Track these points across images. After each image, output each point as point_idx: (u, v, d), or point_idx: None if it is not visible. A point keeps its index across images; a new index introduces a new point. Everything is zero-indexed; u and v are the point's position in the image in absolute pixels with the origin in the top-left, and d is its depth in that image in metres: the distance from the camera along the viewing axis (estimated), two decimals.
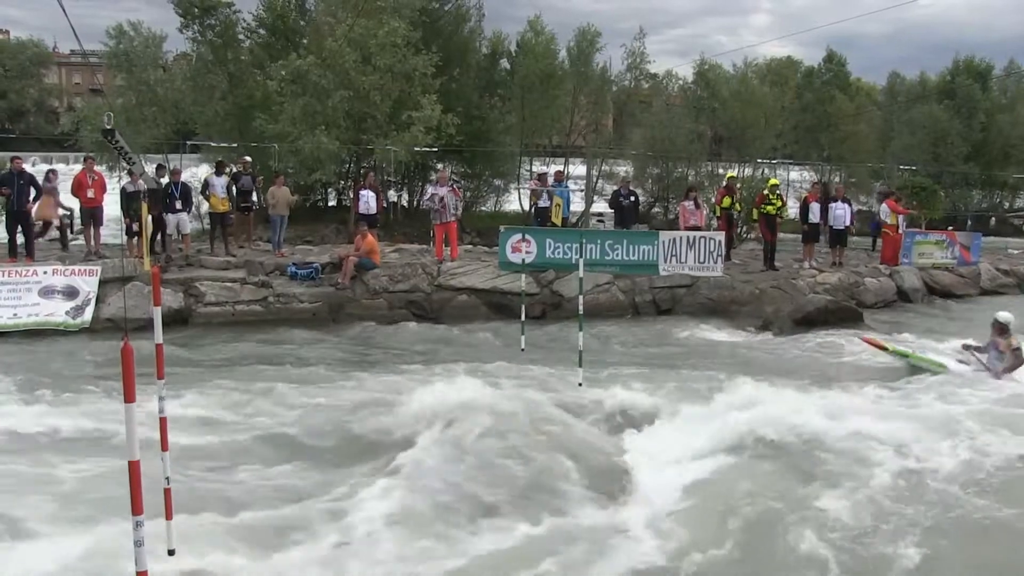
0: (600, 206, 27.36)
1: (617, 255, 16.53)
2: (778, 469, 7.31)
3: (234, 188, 18.00)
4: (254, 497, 6.81)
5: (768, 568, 5.87)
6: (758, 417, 8.20)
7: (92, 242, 16.37)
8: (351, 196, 21.94)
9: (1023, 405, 9.03)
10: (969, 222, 30.51)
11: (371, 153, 23.30)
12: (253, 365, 11.73)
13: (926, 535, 6.16)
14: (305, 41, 24.88)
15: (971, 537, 6.27)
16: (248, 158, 19.35)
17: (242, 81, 25.51)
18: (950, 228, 23.52)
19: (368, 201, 18.56)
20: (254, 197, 18.68)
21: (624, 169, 30.26)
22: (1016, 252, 25.74)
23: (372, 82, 22.52)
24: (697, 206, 18.98)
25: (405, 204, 28.06)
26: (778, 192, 19.56)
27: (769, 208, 18.86)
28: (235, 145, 24.13)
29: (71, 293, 14.16)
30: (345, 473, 7.32)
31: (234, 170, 18.64)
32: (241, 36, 26.56)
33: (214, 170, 18.30)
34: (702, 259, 16.66)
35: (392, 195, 26.83)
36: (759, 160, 33.02)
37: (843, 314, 15.90)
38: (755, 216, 19.46)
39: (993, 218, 41.80)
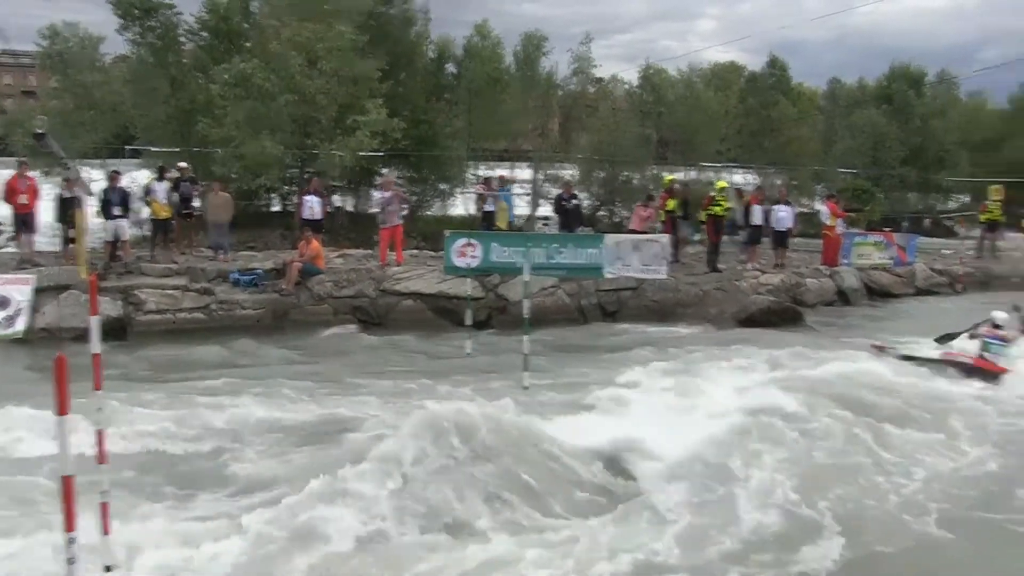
0: (546, 210, 27.43)
1: (563, 259, 16.58)
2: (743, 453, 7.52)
3: (176, 194, 17.72)
4: (200, 510, 6.67)
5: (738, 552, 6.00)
6: (713, 411, 8.40)
7: (25, 249, 15.98)
8: (296, 201, 21.72)
9: None
10: (905, 224, 31.12)
11: (316, 158, 23.09)
12: (194, 374, 11.55)
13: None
14: (249, 44, 24.55)
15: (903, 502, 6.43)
16: (184, 164, 19.02)
17: (184, 84, 25.08)
18: (888, 230, 23.99)
19: (313, 206, 18.38)
20: (196, 203, 18.38)
21: (570, 173, 30.38)
22: (949, 253, 26.36)
23: (318, 86, 22.32)
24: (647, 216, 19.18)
25: (350, 209, 27.84)
26: (724, 195, 19.85)
27: (717, 210, 19.10)
28: (177, 150, 23.72)
29: (2, 303, 13.79)
30: (294, 484, 7.17)
31: (175, 175, 18.32)
32: (183, 38, 26.11)
33: (155, 176, 17.98)
34: (647, 262, 16.78)
35: (337, 200, 26.58)
36: (704, 164, 33.40)
37: (785, 314, 16.21)
38: (703, 217, 19.69)
39: (928, 220, 42.71)
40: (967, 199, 49.01)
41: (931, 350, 11.96)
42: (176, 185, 17.84)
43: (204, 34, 26.21)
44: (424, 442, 6.99)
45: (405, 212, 19.32)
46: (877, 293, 20.22)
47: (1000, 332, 11.46)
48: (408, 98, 26.72)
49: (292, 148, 22.95)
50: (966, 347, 11.67)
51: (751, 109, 39.76)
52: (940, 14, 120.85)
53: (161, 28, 25.03)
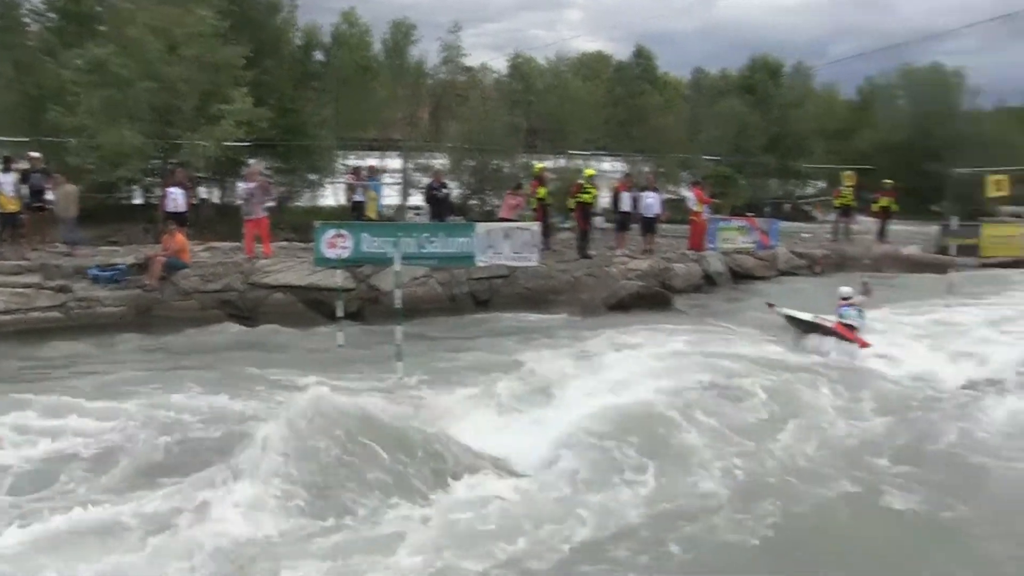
0: (418, 199, 27.33)
1: (434, 248, 16.56)
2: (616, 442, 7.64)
3: (25, 187, 16.82)
4: (70, 515, 6.38)
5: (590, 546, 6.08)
6: (582, 396, 8.57)
7: None
8: (159, 194, 20.91)
9: None
10: (767, 209, 32.46)
11: (179, 148, 22.29)
12: (50, 375, 11.02)
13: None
14: (104, 28, 23.42)
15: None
16: (36, 154, 18.06)
17: (31, 69, 23.73)
18: (750, 215, 24.96)
19: (176, 198, 17.77)
20: (49, 196, 17.47)
21: (440, 162, 30.32)
22: (808, 236, 27.64)
23: (178, 73, 21.54)
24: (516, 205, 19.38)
25: (216, 201, 27.02)
26: (594, 183, 20.21)
27: (585, 197, 19.42)
28: (27, 139, 22.45)
29: None
30: (165, 482, 6.95)
31: (24, 166, 17.38)
32: (27, 19, 24.69)
33: (1, 167, 17.00)
34: (518, 249, 16.93)
35: (203, 192, 25.76)
36: (573, 152, 33.92)
37: (654, 299, 16.65)
38: (571, 205, 19.98)
39: (788, 205, 44.61)
40: (823, 185, 51.41)
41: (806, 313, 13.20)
42: (25, 177, 16.94)
43: (51, 15, 24.87)
44: (295, 432, 6.88)
45: (271, 203, 18.88)
46: (742, 276, 21.00)
47: (849, 302, 12.86)
48: (274, 86, 26.10)
49: (153, 138, 22.07)
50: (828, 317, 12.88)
51: (619, 98, 40.57)
52: (793, 11, 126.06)
53: (2, 7, 23.62)
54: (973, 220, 26.24)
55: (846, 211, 26.76)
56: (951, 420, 8.70)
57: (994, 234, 25.55)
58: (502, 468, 7.25)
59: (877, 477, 7.32)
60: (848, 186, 26.64)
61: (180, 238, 16.16)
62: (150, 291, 15.27)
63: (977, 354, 11.65)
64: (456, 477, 6.99)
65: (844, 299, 13.00)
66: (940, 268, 20.01)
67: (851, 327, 12.51)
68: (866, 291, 13.76)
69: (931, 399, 9.57)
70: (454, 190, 25.74)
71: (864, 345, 12.16)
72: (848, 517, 6.63)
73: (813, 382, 9.72)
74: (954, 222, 19.27)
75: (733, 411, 8.49)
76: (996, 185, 25.84)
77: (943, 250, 21.92)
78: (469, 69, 36.44)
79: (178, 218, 17.17)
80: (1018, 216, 59.68)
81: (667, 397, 8.57)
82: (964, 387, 10.10)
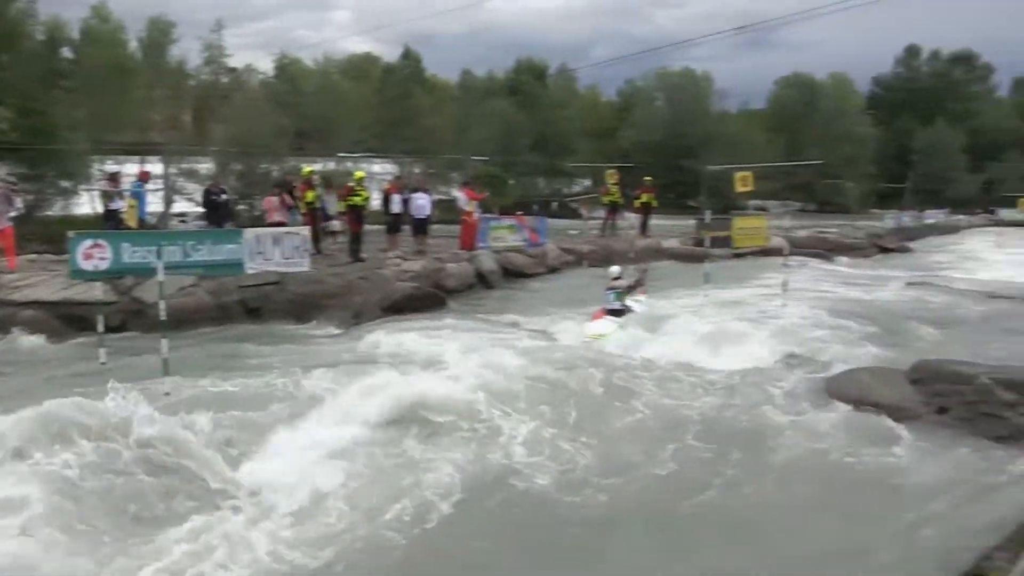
0: (183, 205, 26.29)
1: (200, 256, 15.97)
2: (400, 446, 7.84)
3: None
4: None
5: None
6: (356, 405, 8.62)
7: None
8: None
9: None
10: (536, 207, 33.56)
11: None
12: None
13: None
14: None
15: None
16: None
17: None
18: (520, 213, 25.79)
19: None
20: None
21: (205, 166, 29.29)
22: (575, 233, 28.94)
23: None
24: (283, 203, 19.09)
25: None
26: (365, 185, 20.24)
27: (356, 200, 19.43)
28: None
29: None
30: None
31: None
32: None
33: None
34: (288, 255, 16.70)
35: None
36: (342, 154, 33.76)
37: (428, 300, 16.89)
38: (343, 208, 19.91)
39: (555, 203, 46.44)
40: (589, 183, 53.89)
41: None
42: None
43: None
44: (58, 447, 6.65)
45: (15, 212, 17.57)
46: (513, 274, 21.65)
47: (617, 283, 14.34)
48: (14, 85, 24.25)
49: None
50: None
51: (388, 100, 40.77)
52: (555, 15, 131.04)
53: None
54: (725, 214, 28.50)
55: (614, 208, 28.31)
56: (715, 404, 9.41)
57: (743, 226, 27.85)
58: (260, 492, 7.16)
59: (647, 465, 7.86)
60: (613, 183, 28.14)
61: None
62: None
63: (734, 337, 12.72)
64: (224, 497, 6.86)
65: (614, 279, 14.43)
66: (698, 259, 21.59)
67: (615, 311, 13.87)
68: (640, 282, 15.36)
69: (688, 383, 10.25)
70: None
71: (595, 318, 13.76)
72: (623, 512, 7.01)
73: (582, 374, 10.25)
74: (708, 216, 20.87)
75: (500, 410, 8.83)
76: (742, 181, 28.19)
77: (700, 242, 23.67)
78: (233, 70, 35.45)
79: None
80: (762, 209, 65.26)
81: (439, 399, 8.78)
82: (726, 371, 10.85)
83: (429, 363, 10.81)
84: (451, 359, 10.93)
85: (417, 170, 34.03)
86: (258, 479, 7.23)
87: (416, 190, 21.28)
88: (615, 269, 14.92)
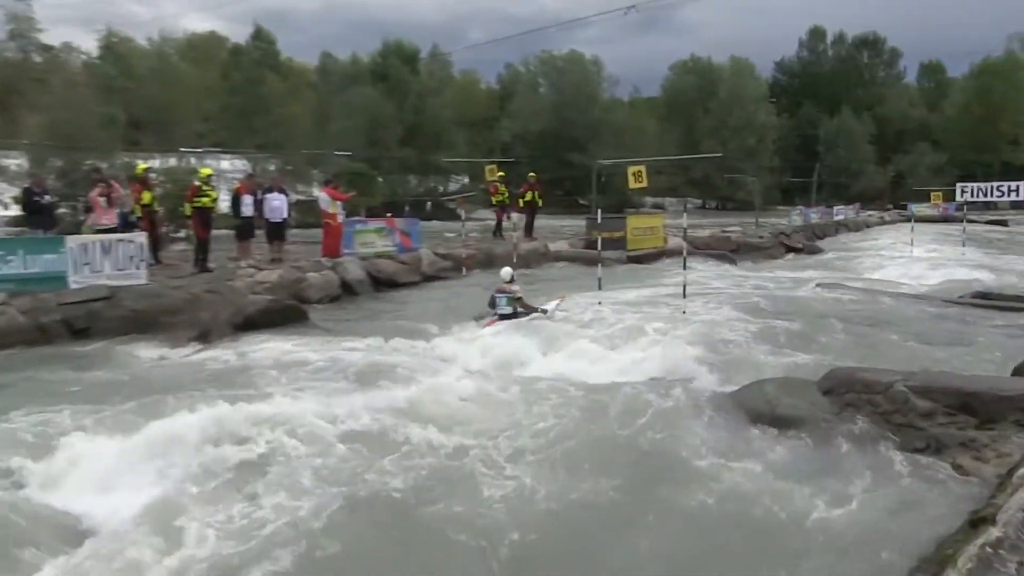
0: None
1: (12, 269, 15.25)
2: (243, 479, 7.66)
3: None
4: None
5: None
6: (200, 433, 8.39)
7: None
8: None
9: None
10: (407, 208, 33.56)
11: None
12: None
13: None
14: None
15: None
16: None
17: None
18: (389, 215, 25.64)
19: None
20: None
21: (16, 162, 28.06)
22: (452, 236, 28.93)
23: None
24: (111, 203, 18.42)
25: None
26: (212, 184, 19.77)
27: (204, 201, 18.94)
28: None
29: None
30: None
31: None
32: None
33: None
34: (121, 265, 16.11)
35: None
36: (185, 149, 32.91)
37: (287, 314, 16.49)
38: (188, 211, 19.39)
39: (429, 203, 46.46)
40: (466, 179, 54.13)
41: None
42: None
43: None
44: None
45: None
46: (383, 283, 21.44)
47: (510, 287, 14.86)
48: None
49: None
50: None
51: (237, 86, 40.02)
52: None
53: None
54: (619, 212, 29.01)
55: (503, 208, 28.43)
56: (605, 413, 9.47)
57: (638, 226, 28.42)
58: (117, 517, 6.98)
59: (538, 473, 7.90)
60: (492, 180, 28.17)
61: None
62: None
63: (630, 348, 12.93)
64: (52, 548, 6.61)
65: (506, 283, 14.93)
66: (589, 262, 21.83)
67: (507, 317, 14.48)
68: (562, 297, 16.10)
69: (578, 394, 10.32)
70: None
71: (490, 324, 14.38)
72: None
73: (456, 392, 10.18)
74: (599, 215, 21.12)
75: (362, 444, 8.70)
76: (635, 176, 28.67)
77: (591, 244, 23.92)
78: (48, 48, 34.03)
79: None
80: (659, 208, 66.88)
81: (283, 424, 8.66)
82: (622, 385, 10.92)
83: (283, 385, 10.56)
84: (308, 382, 10.72)
85: (272, 167, 33.46)
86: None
87: (271, 190, 20.87)
88: (507, 272, 15.36)
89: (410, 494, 7.54)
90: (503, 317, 14.55)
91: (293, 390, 10.20)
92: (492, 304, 14.93)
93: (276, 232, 20.50)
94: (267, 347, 13.65)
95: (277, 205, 20.38)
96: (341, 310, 18.60)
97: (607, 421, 9.29)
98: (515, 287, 15.07)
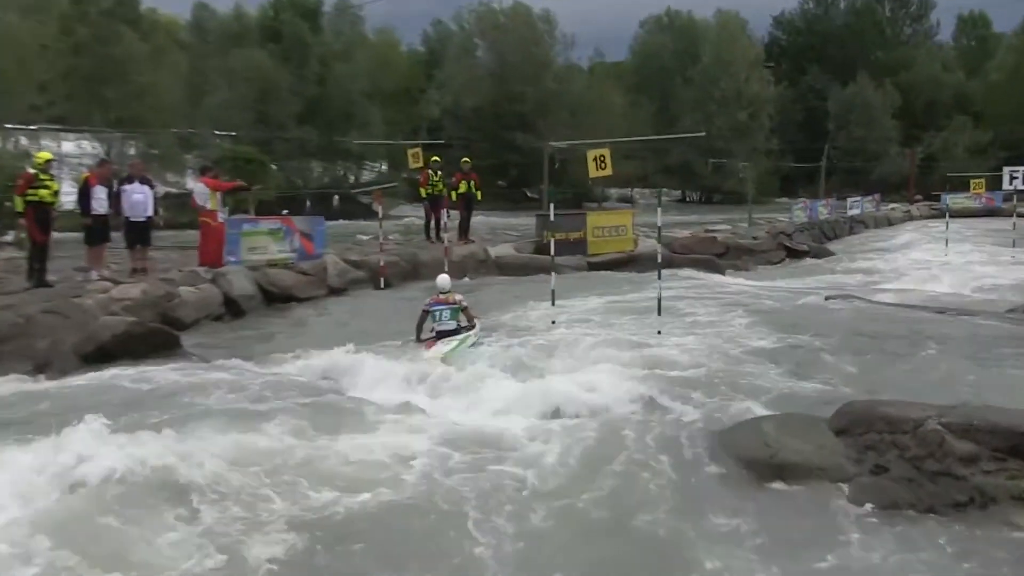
0: None
1: None
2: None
3: None
4: None
5: None
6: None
7: None
8: None
9: None
10: (309, 203, 33.24)
11: None
12: None
13: None
14: None
15: None
16: None
17: None
18: (286, 212, 25.30)
19: None
20: None
21: None
22: (367, 238, 28.65)
23: None
24: None
25: None
26: (52, 172, 19.37)
27: (41, 194, 18.54)
28: None
29: None
30: None
31: None
32: None
33: None
34: None
35: None
36: (13, 126, 32.37)
37: (154, 339, 16.14)
38: (20, 207, 18.95)
39: (337, 196, 46.12)
40: (384, 167, 53.91)
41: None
42: None
43: None
44: None
45: None
46: (279, 298, 21.05)
47: (449, 296, 15.09)
48: None
49: None
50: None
51: (82, 44, 39.39)
52: None
53: None
54: (577, 208, 28.92)
55: (435, 202, 27.91)
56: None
57: (601, 225, 28.31)
58: None
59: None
60: (423, 167, 27.81)
61: None
62: None
63: (592, 379, 12.70)
64: None
65: (443, 293, 15.10)
66: (541, 271, 21.66)
67: (449, 333, 14.72)
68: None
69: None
70: None
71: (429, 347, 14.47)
72: None
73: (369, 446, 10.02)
74: (552, 211, 20.93)
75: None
76: (597, 162, 28.41)
77: (542, 248, 23.73)
78: None
79: None
80: (628, 202, 67.10)
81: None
82: (582, 425, 10.82)
83: (133, 435, 10.26)
84: (174, 426, 10.44)
85: (132, 150, 32.98)
86: None
87: (131, 180, 20.47)
88: (445, 280, 15.62)
89: None
90: (442, 334, 14.67)
91: (150, 437, 9.92)
92: (423, 320, 15.08)
93: (138, 234, 20.10)
94: (122, 383, 13.34)
95: (139, 199, 19.99)
96: (224, 334, 18.25)
97: (556, 480, 9.15)
98: (458, 296, 15.34)
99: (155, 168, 29.24)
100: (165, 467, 8.87)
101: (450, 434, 10.49)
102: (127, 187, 20.03)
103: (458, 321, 15.00)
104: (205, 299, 19.17)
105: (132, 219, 19.91)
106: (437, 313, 14.96)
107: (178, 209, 26.53)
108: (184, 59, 45.73)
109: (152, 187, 21.08)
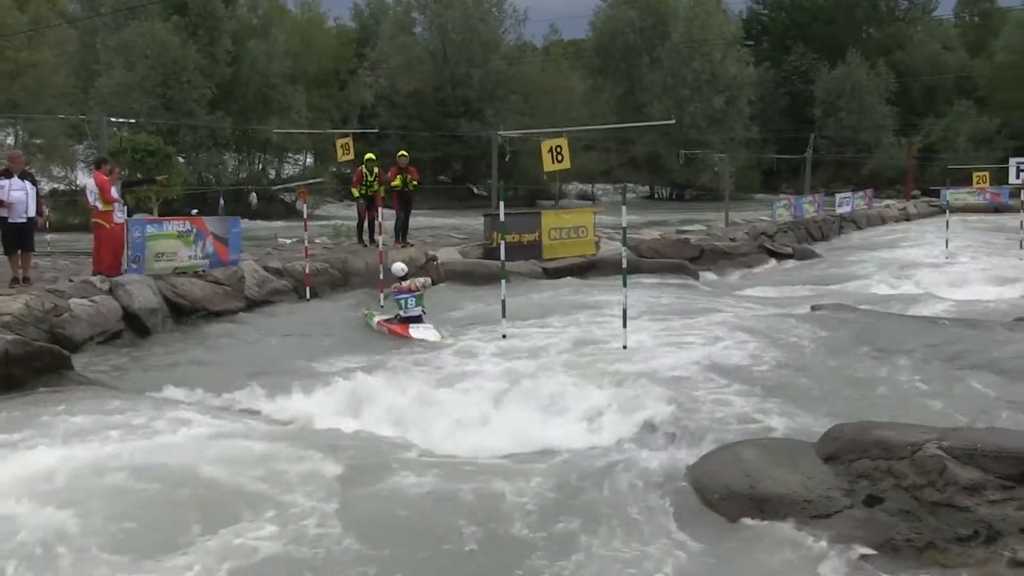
0: None
1: None
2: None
3: None
4: None
5: None
6: None
7: None
8: None
9: None
10: (222, 202, 32.83)
11: None
12: None
13: None
14: None
15: None
16: None
17: None
18: (195, 212, 25.04)
19: None
20: None
21: None
22: (289, 242, 28.34)
23: None
24: None
25: None
26: None
27: None
28: None
29: None
30: None
31: None
32: None
33: None
34: None
35: None
36: None
37: (39, 362, 15.84)
38: None
39: (254, 194, 45.76)
40: (309, 160, 53.71)
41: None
42: None
43: None
44: None
45: None
46: (188, 312, 20.77)
47: (407, 285, 17.39)
48: None
49: None
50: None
51: None
52: None
53: None
54: (531, 207, 28.76)
55: (371, 202, 27.69)
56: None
57: (558, 226, 28.18)
58: None
59: None
60: (346, 159, 27.66)
61: None
62: None
63: (549, 402, 12.93)
64: None
65: (401, 279, 17.44)
66: (490, 279, 21.46)
67: (410, 319, 16.81)
68: None
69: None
70: None
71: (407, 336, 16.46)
72: None
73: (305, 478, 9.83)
74: (502, 210, 20.65)
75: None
76: (553, 153, 28.12)
77: (491, 252, 23.51)
78: None
79: None
80: (589, 199, 67.04)
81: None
82: (538, 457, 10.95)
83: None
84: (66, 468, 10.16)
85: (9, 139, 32.49)
86: None
87: (8, 175, 20.09)
88: (400, 266, 17.61)
89: None
90: (405, 321, 16.80)
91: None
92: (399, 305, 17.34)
93: (19, 238, 19.73)
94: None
95: (19, 198, 19.61)
96: (124, 354, 17.97)
97: (498, 527, 9.04)
98: (420, 280, 17.76)
99: (37, 161, 28.74)
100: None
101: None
102: (4, 183, 19.64)
103: (424, 308, 17.34)
104: (101, 314, 18.78)
105: (11, 220, 19.52)
106: (403, 301, 17.26)
107: (67, 209, 26.10)
108: (71, 35, 45.15)
109: (35, 183, 20.73)
